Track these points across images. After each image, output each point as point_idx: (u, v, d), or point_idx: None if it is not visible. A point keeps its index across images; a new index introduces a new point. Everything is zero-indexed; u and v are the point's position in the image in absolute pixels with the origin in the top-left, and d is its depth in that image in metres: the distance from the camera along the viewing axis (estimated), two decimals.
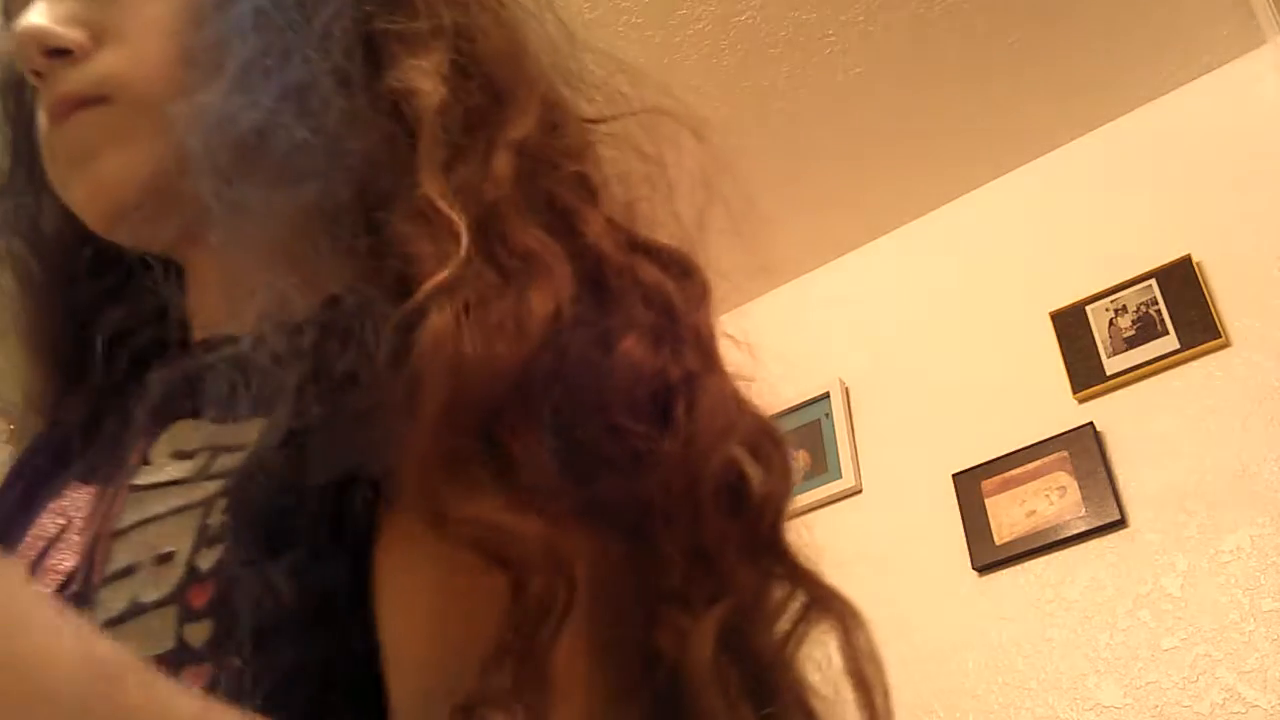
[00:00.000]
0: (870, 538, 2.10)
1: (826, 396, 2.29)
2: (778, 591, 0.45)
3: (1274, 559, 1.70)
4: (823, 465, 2.24)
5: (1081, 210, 2.20)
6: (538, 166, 0.49)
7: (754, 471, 0.45)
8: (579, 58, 0.57)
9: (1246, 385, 1.85)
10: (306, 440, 0.42)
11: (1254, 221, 1.98)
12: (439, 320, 0.41)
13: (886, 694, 0.43)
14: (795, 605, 0.45)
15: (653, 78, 0.57)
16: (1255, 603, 1.68)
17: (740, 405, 0.47)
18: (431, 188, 0.46)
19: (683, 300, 0.48)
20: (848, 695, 0.44)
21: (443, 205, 0.45)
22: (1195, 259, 1.99)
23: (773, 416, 0.48)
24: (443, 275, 0.42)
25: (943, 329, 2.25)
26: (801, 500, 2.22)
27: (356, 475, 0.41)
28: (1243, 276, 1.94)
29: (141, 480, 0.48)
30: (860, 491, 2.18)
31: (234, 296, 0.51)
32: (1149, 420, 1.91)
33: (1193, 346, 1.92)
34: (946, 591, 1.96)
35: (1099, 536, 1.86)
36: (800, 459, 2.28)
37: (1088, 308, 2.07)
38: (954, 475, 2.04)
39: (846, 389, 2.31)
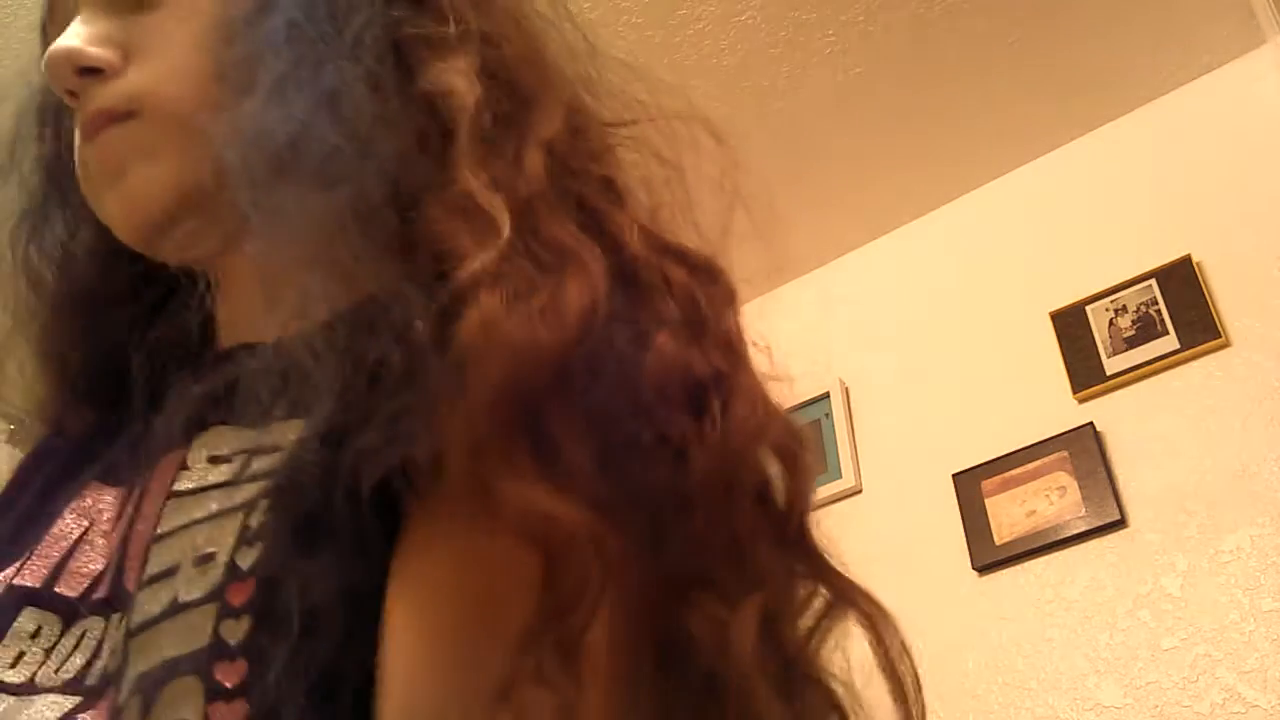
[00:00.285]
0: (870, 538, 2.10)
1: (826, 396, 2.29)
2: (803, 588, 0.46)
3: (1274, 559, 1.70)
4: (823, 465, 2.24)
5: (1081, 210, 2.20)
6: (566, 168, 0.50)
7: (782, 472, 0.47)
8: (597, 65, 0.58)
9: (1246, 385, 1.85)
10: (345, 438, 0.42)
11: (1254, 221, 1.98)
12: (489, 302, 0.42)
13: (919, 688, 0.44)
14: (820, 601, 0.47)
15: (669, 84, 0.58)
16: (1255, 603, 1.68)
17: (769, 406, 0.48)
18: (471, 182, 0.46)
19: (710, 303, 0.49)
20: (874, 691, 0.45)
21: (483, 198, 0.46)
22: (1195, 259, 1.99)
23: (796, 417, 0.50)
24: (488, 259, 0.43)
25: (943, 329, 2.25)
26: None
27: (394, 472, 0.41)
28: (1243, 276, 1.94)
29: (181, 486, 0.48)
30: (860, 491, 2.18)
31: (267, 302, 0.51)
32: (1149, 420, 1.91)
33: (1193, 346, 1.92)
34: (946, 591, 1.96)
35: (1099, 536, 1.86)
36: None
37: (1088, 308, 2.07)
38: (954, 475, 2.04)
39: (846, 389, 2.31)
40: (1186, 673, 1.68)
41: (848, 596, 0.47)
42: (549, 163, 0.49)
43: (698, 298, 0.48)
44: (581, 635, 0.38)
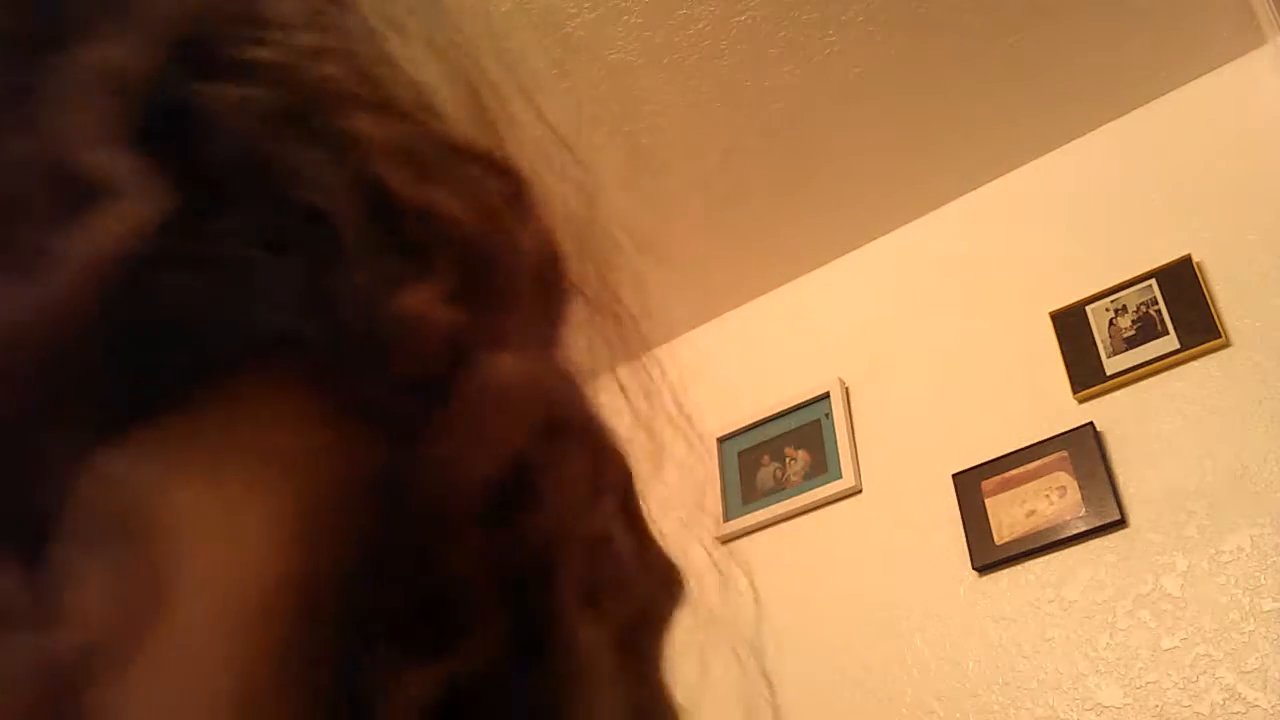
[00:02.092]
0: (870, 538, 2.10)
1: (826, 396, 2.29)
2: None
3: (1274, 559, 1.70)
4: (823, 465, 2.24)
5: (1081, 210, 2.20)
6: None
7: (543, 480, 0.27)
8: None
9: (1246, 385, 1.85)
10: None
11: (1254, 221, 1.98)
12: None
13: None
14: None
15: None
16: (1255, 603, 1.68)
17: (561, 387, 0.29)
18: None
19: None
20: None
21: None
22: (1195, 259, 1.99)
23: (603, 416, 0.30)
24: None
25: (943, 329, 2.25)
26: (801, 500, 2.22)
27: None
28: (1243, 276, 1.94)
29: None
30: (860, 491, 2.18)
31: None
32: (1149, 420, 1.91)
33: (1193, 346, 1.92)
34: (946, 591, 1.96)
35: (1099, 536, 1.86)
36: (800, 459, 2.28)
37: (1088, 308, 2.07)
38: (954, 475, 2.04)
39: (846, 389, 2.31)
40: (1186, 673, 1.68)
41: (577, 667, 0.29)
42: None
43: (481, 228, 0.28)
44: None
